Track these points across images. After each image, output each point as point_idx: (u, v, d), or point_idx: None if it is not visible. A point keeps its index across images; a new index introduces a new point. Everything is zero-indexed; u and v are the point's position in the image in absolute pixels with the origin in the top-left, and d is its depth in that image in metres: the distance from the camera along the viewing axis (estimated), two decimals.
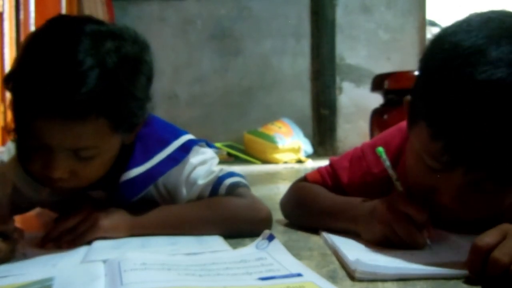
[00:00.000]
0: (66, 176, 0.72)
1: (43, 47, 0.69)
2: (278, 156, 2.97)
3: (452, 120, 0.60)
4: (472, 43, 0.60)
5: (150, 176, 0.82)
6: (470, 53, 0.59)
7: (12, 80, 0.71)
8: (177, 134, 0.86)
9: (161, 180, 0.84)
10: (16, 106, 0.71)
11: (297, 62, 3.51)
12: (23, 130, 0.71)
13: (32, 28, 1.98)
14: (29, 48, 0.71)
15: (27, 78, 0.68)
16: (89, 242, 0.76)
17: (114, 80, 0.69)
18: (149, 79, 0.76)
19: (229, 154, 3.11)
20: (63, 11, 2.21)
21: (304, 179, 0.95)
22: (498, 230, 0.56)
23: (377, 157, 0.84)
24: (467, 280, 0.56)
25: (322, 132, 3.48)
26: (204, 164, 0.87)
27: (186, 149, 0.84)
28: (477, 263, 0.55)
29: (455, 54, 0.61)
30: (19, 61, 0.72)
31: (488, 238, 0.55)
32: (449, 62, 0.61)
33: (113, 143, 0.75)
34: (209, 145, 0.92)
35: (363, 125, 3.20)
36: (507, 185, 0.63)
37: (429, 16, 3.58)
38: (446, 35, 0.64)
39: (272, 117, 3.24)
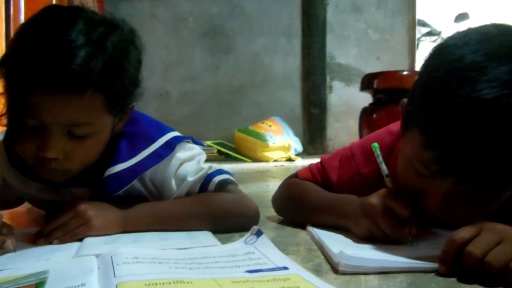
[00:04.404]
0: (61, 157, 0.73)
1: (38, 28, 0.71)
2: (268, 154, 2.99)
3: (446, 133, 0.61)
4: (472, 60, 0.60)
5: (133, 172, 0.82)
6: (470, 69, 0.60)
7: (7, 61, 0.72)
8: (163, 131, 0.87)
9: (147, 176, 0.85)
10: (11, 85, 0.72)
11: (288, 61, 3.53)
12: (18, 109, 0.71)
13: None
14: (24, 30, 0.73)
15: (22, 55, 0.70)
16: (80, 238, 0.77)
17: (109, 58, 0.72)
18: (139, 62, 0.79)
19: (219, 152, 3.12)
20: None
21: (295, 175, 0.97)
22: (474, 226, 0.58)
23: (366, 158, 0.85)
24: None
25: (312, 130, 3.50)
26: (191, 160, 0.88)
27: (171, 146, 0.85)
28: (449, 255, 0.58)
29: (456, 68, 0.61)
30: (13, 44, 0.73)
31: (463, 232, 0.58)
32: (449, 76, 0.62)
33: (106, 123, 0.77)
34: (196, 142, 0.94)
35: (353, 124, 3.23)
36: (493, 198, 0.65)
37: (419, 16, 3.62)
38: (449, 47, 0.65)
39: (263, 115, 3.26)
